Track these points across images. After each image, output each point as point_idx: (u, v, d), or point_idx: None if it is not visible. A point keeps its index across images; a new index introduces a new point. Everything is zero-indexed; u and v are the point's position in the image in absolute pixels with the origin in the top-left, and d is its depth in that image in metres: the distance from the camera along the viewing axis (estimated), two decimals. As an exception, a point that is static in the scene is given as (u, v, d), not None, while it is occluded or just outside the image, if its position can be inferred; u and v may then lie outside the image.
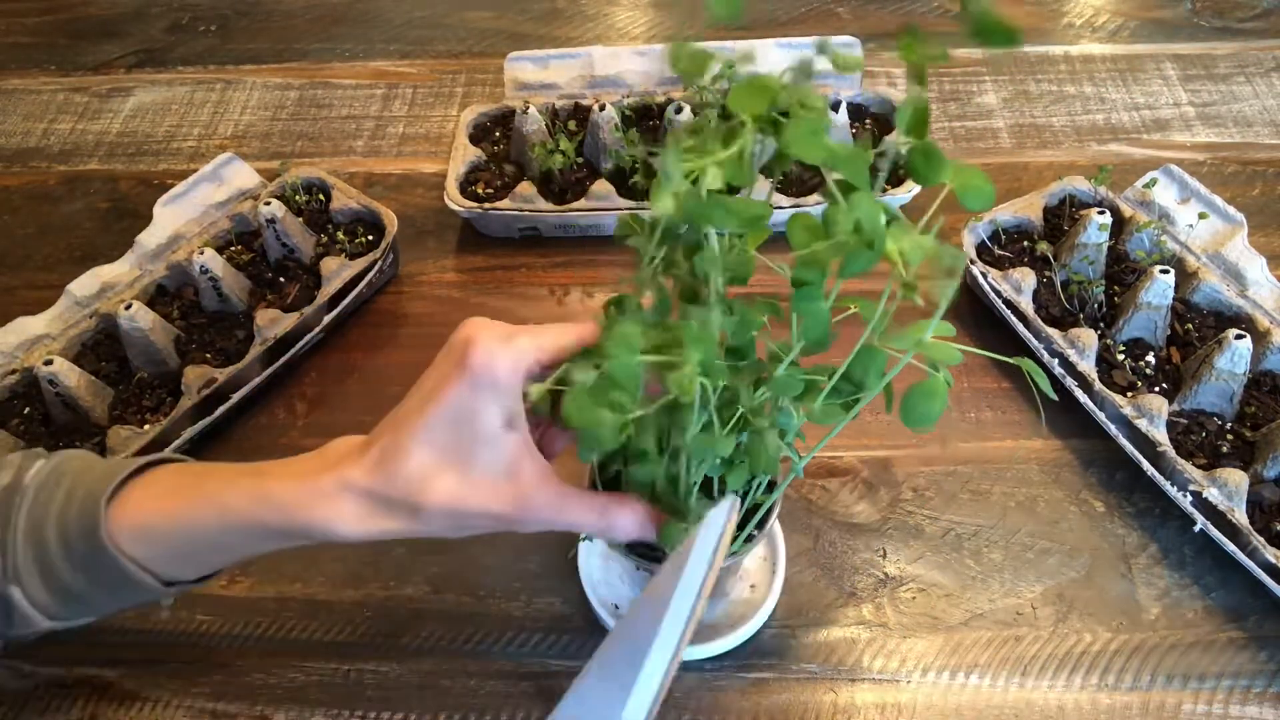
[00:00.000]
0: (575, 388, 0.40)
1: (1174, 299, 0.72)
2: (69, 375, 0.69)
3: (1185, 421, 0.69)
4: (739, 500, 0.46)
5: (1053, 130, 0.94)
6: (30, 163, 0.97)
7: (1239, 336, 0.66)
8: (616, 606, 0.62)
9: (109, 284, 0.77)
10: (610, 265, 0.84)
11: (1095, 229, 0.74)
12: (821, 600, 0.63)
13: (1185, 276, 0.75)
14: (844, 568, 0.65)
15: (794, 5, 1.10)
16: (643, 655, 0.42)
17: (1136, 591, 0.63)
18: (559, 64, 0.92)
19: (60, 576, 0.48)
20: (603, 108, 0.84)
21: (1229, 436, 0.68)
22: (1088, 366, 0.69)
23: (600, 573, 0.63)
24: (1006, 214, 0.80)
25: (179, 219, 0.81)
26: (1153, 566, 0.64)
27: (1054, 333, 0.71)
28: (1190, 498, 0.63)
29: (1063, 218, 0.81)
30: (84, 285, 0.76)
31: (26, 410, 0.72)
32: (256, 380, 0.73)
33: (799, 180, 0.84)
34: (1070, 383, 0.70)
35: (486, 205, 0.82)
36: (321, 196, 0.85)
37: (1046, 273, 0.76)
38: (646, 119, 0.90)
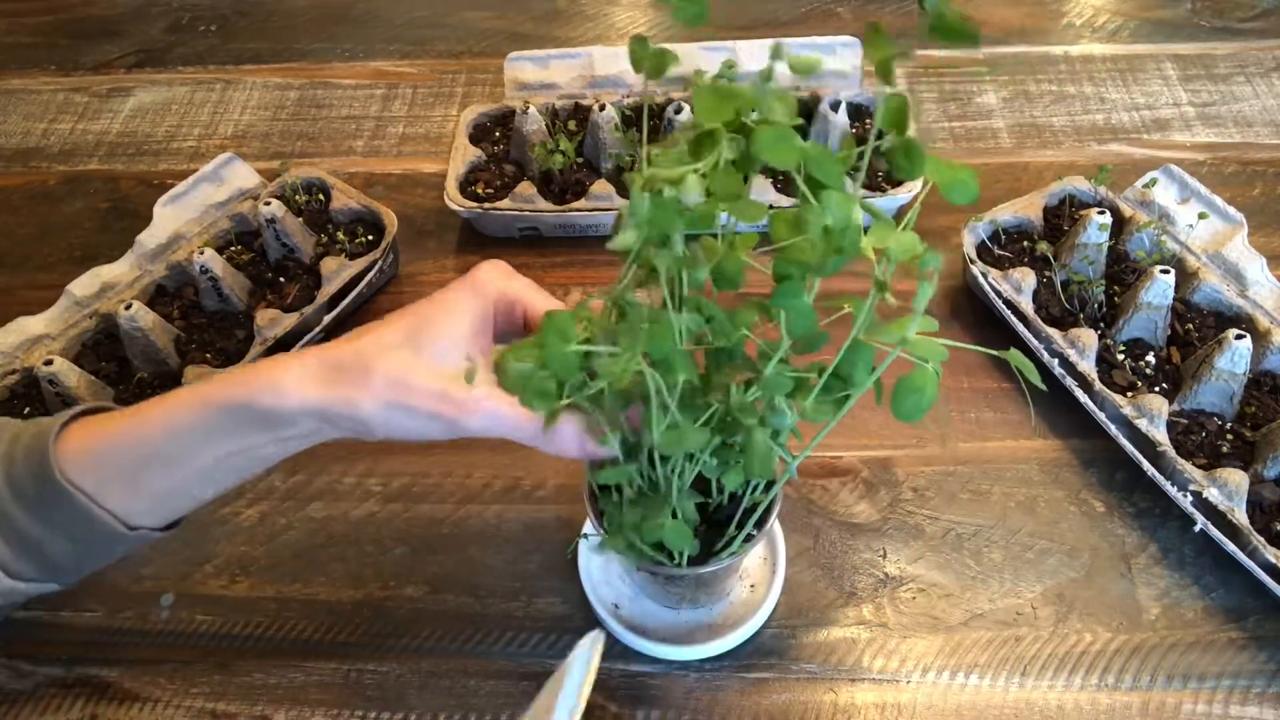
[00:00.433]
0: (511, 371, 0.42)
1: (1174, 299, 0.72)
2: (69, 375, 0.69)
3: (1185, 421, 0.69)
4: (603, 636, 0.50)
5: (1053, 130, 0.94)
6: (30, 163, 0.97)
7: (1239, 336, 0.66)
8: (617, 606, 0.62)
9: (109, 284, 0.77)
10: (610, 265, 0.84)
11: (1095, 229, 0.74)
12: (821, 600, 0.63)
13: (1185, 276, 0.75)
14: (844, 568, 0.65)
15: (794, 5, 1.10)
16: None
17: (1136, 591, 0.63)
18: (559, 64, 0.92)
19: (15, 524, 0.48)
20: (603, 108, 0.84)
21: (1229, 436, 0.68)
22: (1088, 366, 0.69)
23: (600, 573, 0.63)
24: (1006, 214, 0.80)
25: (179, 219, 0.81)
26: (1153, 566, 0.64)
27: (1054, 333, 0.71)
28: (1190, 498, 0.63)
29: (1063, 218, 0.81)
30: (84, 285, 0.76)
31: (27, 410, 0.71)
32: (256, 380, 0.73)
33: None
34: (1070, 383, 0.70)
35: (486, 205, 0.82)
36: (321, 196, 0.85)
37: (1046, 273, 0.76)
38: (647, 119, 0.90)
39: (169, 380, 0.73)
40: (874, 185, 0.82)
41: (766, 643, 0.62)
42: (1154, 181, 0.80)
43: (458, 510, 0.69)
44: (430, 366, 0.45)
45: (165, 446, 0.47)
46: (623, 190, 0.83)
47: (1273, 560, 0.59)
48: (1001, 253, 0.79)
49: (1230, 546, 0.61)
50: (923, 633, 0.62)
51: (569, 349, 0.41)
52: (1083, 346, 0.70)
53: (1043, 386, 0.40)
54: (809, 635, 0.62)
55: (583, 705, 0.47)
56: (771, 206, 0.79)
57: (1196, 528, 0.63)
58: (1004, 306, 0.74)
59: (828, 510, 0.68)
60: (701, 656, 0.60)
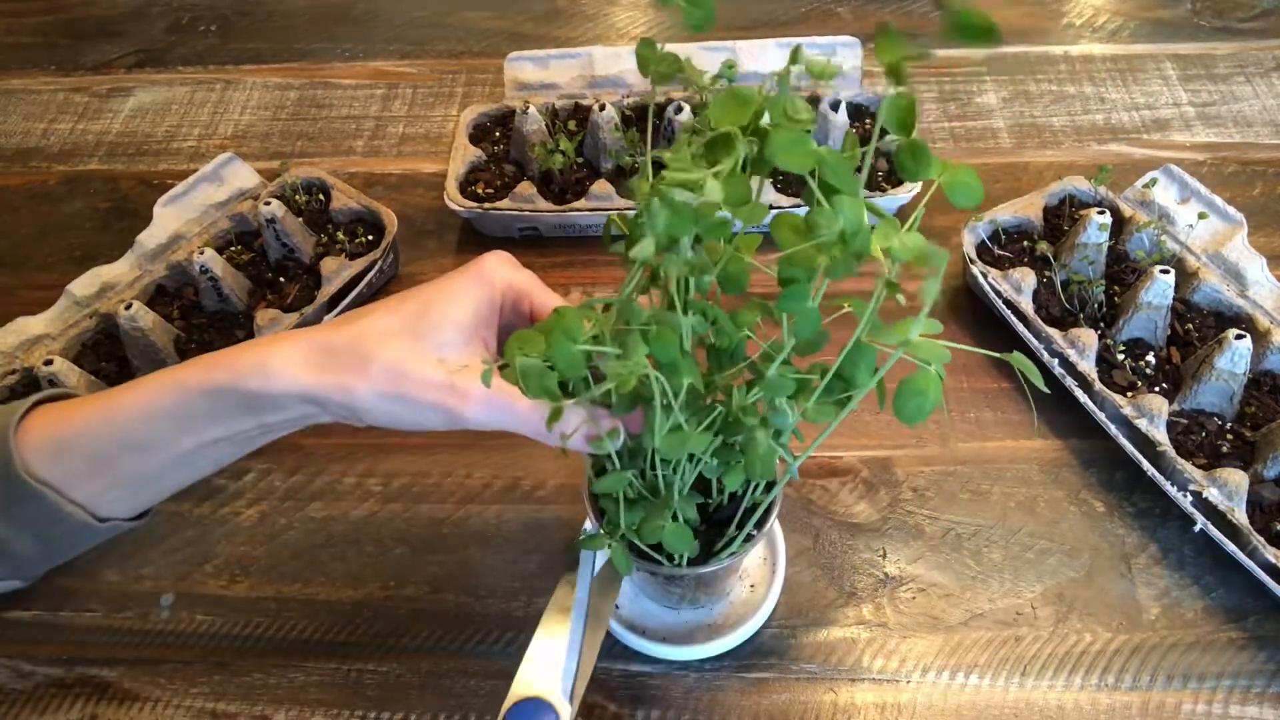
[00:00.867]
0: (518, 366, 0.41)
1: (1174, 299, 0.72)
2: (69, 375, 0.69)
3: (1185, 421, 0.69)
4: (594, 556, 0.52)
5: (1053, 130, 0.94)
6: (30, 163, 0.97)
7: (1239, 336, 0.66)
8: (616, 606, 0.62)
9: (109, 284, 0.77)
10: (610, 265, 0.84)
11: (1095, 229, 0.74)
12: (821, 600, 0.63)
13: (1185, 276, 0.75)
14: (844, 568, 0.65)
15: (794, 5, 1.10)
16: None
17: (1136, 591, 0.63)
18: (559, 64, 0.92)
19: None
20: (603, 108, 0.84)
21: (1229, 436, 0.68)
22: (1088, 366, 0.69)
23: (600, 573, 0.63)
24: (1006, 214, 0.80)
25: (179, 219, 0.81)
26: (1153, 566, 0.64)
27: (1054, 333, 0.71)
28: (1190, 498, 0.63)
29: (1063, 218, 0.81)
30: (84, 285, 0.76)
31: (26, 410, 0.72)
32: (256, 380, 0.73)
33: (799, 179, 0.84)
34: (1070, 383, 0.70)
35: (486, 205, 0.82)
36: (321, 196, 0.85)
37: (1046, 273, 0.76)
38: (647, 119, 0.90)
39: (169, 380, 0.73)
40: (874, 184, 0.83)
41: (766, 643, 0.62)
42: (1154, 181, 0.80)
43: (458, 510, 0.69)
44: (431, 355, 0.44)
45: (141, 433, 0.45)
46: (623, 190, 0.83)
47: (1273, 560, 0.59)
48: (1001, 253, 0.79)
49: (1230, 546, 0.61)
50: (923, 633, 0.62)
51: (575, 348, 0.40)
52: (1083, 346, 0.70)
53: (1046, 390, 0.40)
54: (809, 635, 0.62)
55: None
56: (772, 206, 0.80)
57: (1196, 528, 0.63)
58: (1004, 306, 0.74)
59: (828, 510, 0.68)
60: (701, 656, 0.60)
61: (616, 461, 0.48)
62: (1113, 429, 0.67)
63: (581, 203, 0.82)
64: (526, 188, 0.82)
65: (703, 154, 0.37)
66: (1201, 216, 0.78)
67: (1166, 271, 0.70)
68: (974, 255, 0.77)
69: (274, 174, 0.85)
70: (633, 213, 0.39)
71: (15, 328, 0.73)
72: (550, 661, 0.49)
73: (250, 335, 0.75)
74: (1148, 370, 0.72)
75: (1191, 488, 0.63)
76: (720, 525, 0.54)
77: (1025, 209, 0.80)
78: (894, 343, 0.38)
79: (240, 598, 0.65)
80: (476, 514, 0.68)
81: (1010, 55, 1.03)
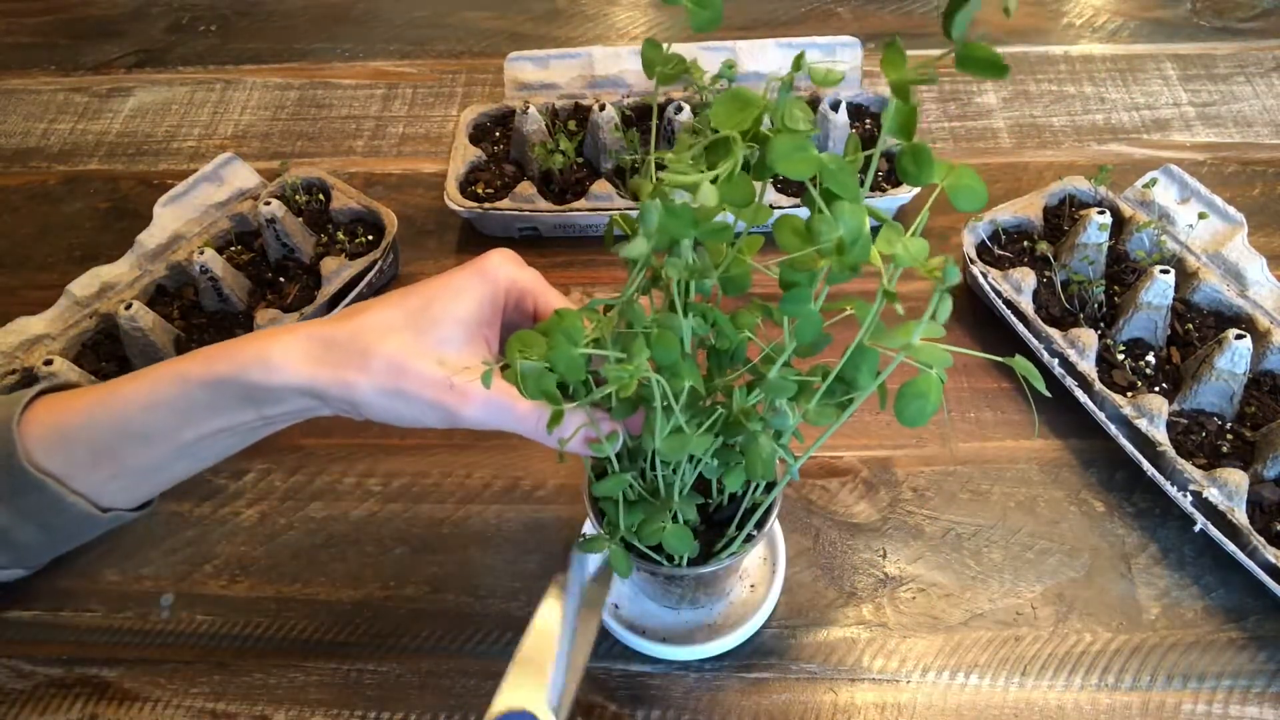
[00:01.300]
0: (518, 368, 0.41)
1: (1174, 299, 0.72)
2: (69, 375, 0.69)
3: (1185, 421, 0.69)
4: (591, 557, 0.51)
5: (1053, 130, 0.94)
6: (30, 163, 0.97)
7: (1239, 336, 0.66)
8: (616, 606, 0.62)
9: (109, 284, 0.77)
10: (610, 265, 0.84)
11: (1095, 229, 0.74)
12: (821, 600, 0.63)
13: (1185, 276, 0.75)
14: (844, 568, 0.65)
15: (794, 5, 1.10)
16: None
17: (1136, 591, 0.63)
18: (559, 64, 0.92)
19: None
20: (603, 108, 0.84)
21: (1229, 436, 0.68)
22: (1088, 366, 0.69)
23: (600, 573, 0.63)
24: (1006, 214, 0.80)
25: (179, 219, 0.81)
26: (1153, 566, 0.64)
27: (1054, 333, 0.71)
28: (1190, 498, 0.63)
29: (1063, 218, 0.81)
30: (84, 285, 0.76)
31: (26, 410, 0.72)
32: (256, 380, 0.73)
33: (799, 181, 0.84)
34: (1070, 383, 0.70)
35: (486, 205, 0.82)
36: (321, 196, 0.85)
37: (1046, 273, 0.76)
38: (646, 119, 0.90)
39: (169, 380, 0.73)
40: (874, 185, 0.83)
41: (766, 643, 0.62)
42: (1154, 181, 0.80)
43: (458, 510, 0.69)
44: (431, 352, 0.44)
45: (143, 423, 0.45)
46: (623, 190, 0.83)
47: (1273, 560, 0.59)
48: (1001, 253, 0.79)
49: (1230, 546, 0.61)
50: (923, 633, 0.62)
51: (576, 351, 0.40)
52: (1083, 346, 0.70)
53: (1047, 394, 0.40)
54: (809, 635, 0.62)
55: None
56: (772, 206, 0.80)
57: (1196, 528, 0.63)
58: (1004, 306, 0.74)
59: (828, 510, 0.68)
60: (701, 656, 0.60)
61: (616, 464, 0.48)
62: (1113, 429, 0.68)
63: (581, 203, 0.82)
64: (526, 188, 0.82)
65: (702, 156, 0.37)
66: (1201, 216, 0.78)
67: (1166, 271, 0.70)
68: (974, 255, 0.77)
69: (274, 174, 0.85)
70: (635, 213, 0.39)
71: (15, 328, 0.73)
72: (536, 671, 0.47)
73: (250, 335, 0.75)
74: (1148, 370, 0.72)
75: (1191, 488, 0.63)
76: (720, 526, 0.54)
77: (1025, 209, 0.80)
78: (896, 346, 0.38)
79: (240, 598, 0.65)
80: (476, 514, 0.68)
81: (1010, 55, 1.03)
